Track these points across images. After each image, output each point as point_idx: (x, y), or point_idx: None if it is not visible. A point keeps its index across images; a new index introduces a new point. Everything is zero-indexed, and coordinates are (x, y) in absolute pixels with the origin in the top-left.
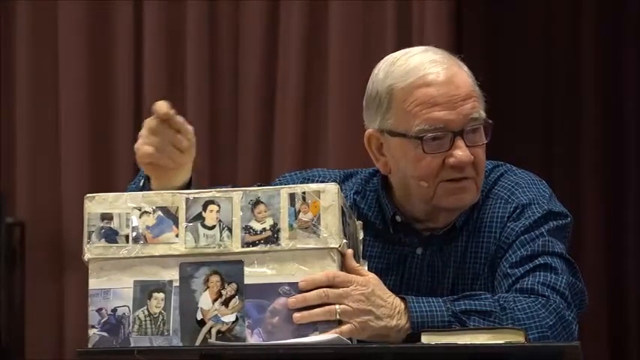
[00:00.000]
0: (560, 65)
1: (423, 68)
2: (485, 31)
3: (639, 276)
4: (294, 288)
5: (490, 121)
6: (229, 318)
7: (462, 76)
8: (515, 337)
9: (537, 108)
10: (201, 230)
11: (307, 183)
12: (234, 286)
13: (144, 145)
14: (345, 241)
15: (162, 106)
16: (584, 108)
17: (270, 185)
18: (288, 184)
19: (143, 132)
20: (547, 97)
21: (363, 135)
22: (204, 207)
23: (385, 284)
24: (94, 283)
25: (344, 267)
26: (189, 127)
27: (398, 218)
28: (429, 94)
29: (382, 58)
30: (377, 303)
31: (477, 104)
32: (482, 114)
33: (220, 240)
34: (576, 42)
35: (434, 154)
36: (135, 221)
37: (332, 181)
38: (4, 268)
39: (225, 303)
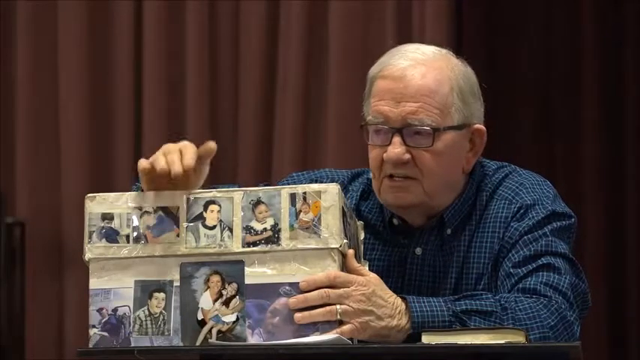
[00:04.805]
0: (560, 64)
1: (390, 61)
2: (486, 30)
3: (639, 276)
4: (295, 288)
5: (435, 129)
6: (230, 318)
7: (421, 78)
8: (516, 338)
9: (537, 107)
10: (202, 230)
11: (315, 183)
12: (234, 286)
13: (145, 162)
14: (345, 241)
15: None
16: (584, 107)
17: (278, 185)
18: (296, 184)
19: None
20: (547, 97)
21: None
22: (205, 207)
23: (387, 286)
24: (94, 283)
25: (345, 267)
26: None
27: (395, 221)
28: (381, 86)
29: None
30: (378, 303)
31: (424, 110)
32: (427, 122)
33: (221, 240)
34: (576, 41)
35: (375, 146)
36: (135, 221)
37: (340, 182)
38: (4, 268)
39: (226, 303)
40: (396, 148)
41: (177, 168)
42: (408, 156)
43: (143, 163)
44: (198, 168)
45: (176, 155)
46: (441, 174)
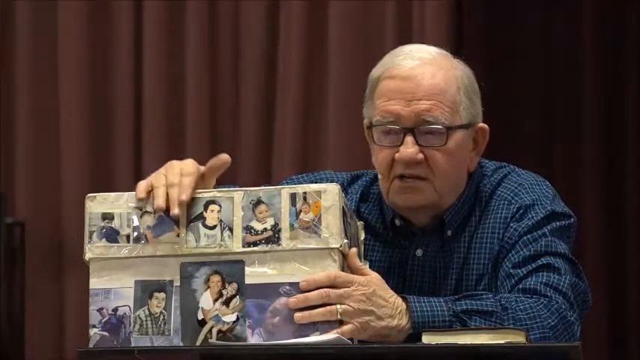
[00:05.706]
0: (560, 64)
1: (396, 61)
2: (486, 30)
3: (639, 276)
4: (295, 288)
5: (448, 127)
6: (230, 318)
7: (432, 77)
8: (516, 338)
9: (537, 108)
10: (202, 230)
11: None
12: (234, 285)
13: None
14: (346, 241)
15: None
16: (584, 107)
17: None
18: None
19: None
20: (547, 97)
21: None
22: (205, 207)
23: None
24: (95, 283)
25: (347, 266)
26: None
27: (397, 222)
28: (389, 87)
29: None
30: (378, 303)
31: (437, 108)
32: (441, 119)
33: (221, 240)
34: (577, 41)
35: (385, 146)
36: (136, 221)
37: (339, 184)
38: (4, 268)
39: (226, 303)
40: (409, 148)
41: (176, 212)
42: (421, 156)
43: (141, 193)
44: (206, 181)
45: (175, 191)
46: (452, 173)
